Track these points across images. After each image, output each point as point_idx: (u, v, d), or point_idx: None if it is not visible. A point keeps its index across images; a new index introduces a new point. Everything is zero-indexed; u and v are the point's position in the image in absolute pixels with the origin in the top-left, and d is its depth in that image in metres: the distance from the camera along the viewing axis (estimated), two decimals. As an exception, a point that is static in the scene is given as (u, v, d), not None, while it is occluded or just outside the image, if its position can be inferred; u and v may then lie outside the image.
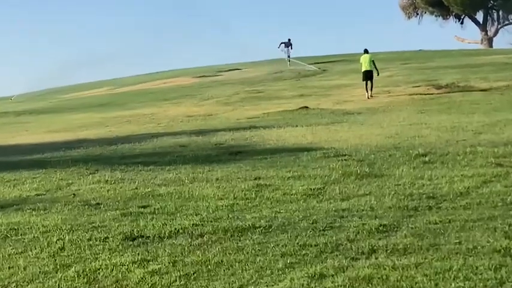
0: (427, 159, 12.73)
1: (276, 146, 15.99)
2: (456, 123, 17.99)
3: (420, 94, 27.33)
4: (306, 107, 25.43)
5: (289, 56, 52.44)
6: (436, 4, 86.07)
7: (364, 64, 29.09)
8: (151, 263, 7.30)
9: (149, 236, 8.33)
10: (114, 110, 31.48)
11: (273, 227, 8.41)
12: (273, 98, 30.77)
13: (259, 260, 7.14)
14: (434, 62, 43.53)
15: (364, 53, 29.73)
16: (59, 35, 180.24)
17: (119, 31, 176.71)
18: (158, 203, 10.24)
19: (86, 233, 8.68)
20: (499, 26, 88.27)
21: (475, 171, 11.31)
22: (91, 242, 8.24)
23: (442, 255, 6.92)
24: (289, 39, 52.04)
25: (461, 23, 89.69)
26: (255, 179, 11.75)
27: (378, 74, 29.29)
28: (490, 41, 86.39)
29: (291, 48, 52.24)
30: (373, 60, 29.19)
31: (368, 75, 28.57)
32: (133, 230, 8.61)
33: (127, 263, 7.33)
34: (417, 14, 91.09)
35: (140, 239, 8.24)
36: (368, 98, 27.69)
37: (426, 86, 29.57)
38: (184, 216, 9.23)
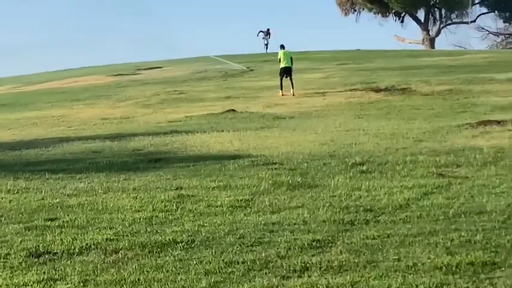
0: (364, 168, 12.91)
1: (199, 152, 15.97)
2: (396, 129, 18.29)
3: (358, 97, 27.70)
4: (233, 110, 25.46)
5: (266, 45, 60.17)
6: (375, 1, 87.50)
7: (284, 60, 30.80)
8: (59, 282, 7.19)
9: (57, 252, 8.20)
10: (18, 111, 30.90)
11: (195, 242, 8.39)
12: (196, 99, 30.73)
13: (181, 278, 7.11)
14: (373, 62, 44.20)
15: (281, 49, 31.54)
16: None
17: (23, 23, 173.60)
18: (67, 215, 10.09)
19: (-15, 249, 8.49)
20: (442, 26, 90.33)
21: (415, 181, 11.51)
22: (-10, 259, 8.06)
23: (380, 273, 7.01)
24: (268, 29, 60.32)
25: (402, 21, 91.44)
26: (177, 189, 11.71)
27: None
28: (432, 42, 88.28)
29: (269, 37, 60.20)
30: (291, 57, 31.02)
31: (287, 72, 30.44)
32: (38, 246, 8.46)
33: (31, 282, 7.20)
34: (355, 10, 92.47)
35: (47, 256, 8.11)
36: (282, 95, 29.47)
37: (364, 88, 29.97)
38: (97, 230, 9.12)
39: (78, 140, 19.26)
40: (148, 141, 18.19)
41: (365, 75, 35.27)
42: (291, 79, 30.05)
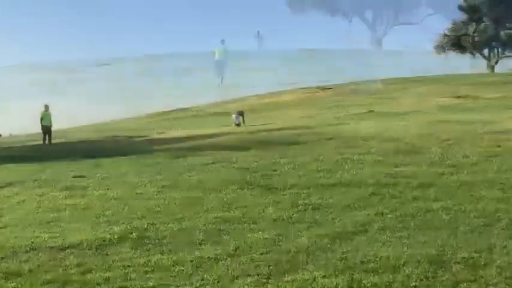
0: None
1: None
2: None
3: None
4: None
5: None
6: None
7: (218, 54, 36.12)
8: None
9: None
10: None
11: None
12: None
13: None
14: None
15: (222, 44, 37.54)
16: None
17: None
18: None
19: None
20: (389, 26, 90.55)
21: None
22: None
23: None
24: (258, 31, 73.37)
25: (350, 21, 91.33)
26: None
27: None
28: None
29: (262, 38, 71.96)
30: (226, 51, 36.14)
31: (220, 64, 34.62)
32: None
33: None
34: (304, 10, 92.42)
35: None
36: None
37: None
38: None
39: None
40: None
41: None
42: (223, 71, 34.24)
